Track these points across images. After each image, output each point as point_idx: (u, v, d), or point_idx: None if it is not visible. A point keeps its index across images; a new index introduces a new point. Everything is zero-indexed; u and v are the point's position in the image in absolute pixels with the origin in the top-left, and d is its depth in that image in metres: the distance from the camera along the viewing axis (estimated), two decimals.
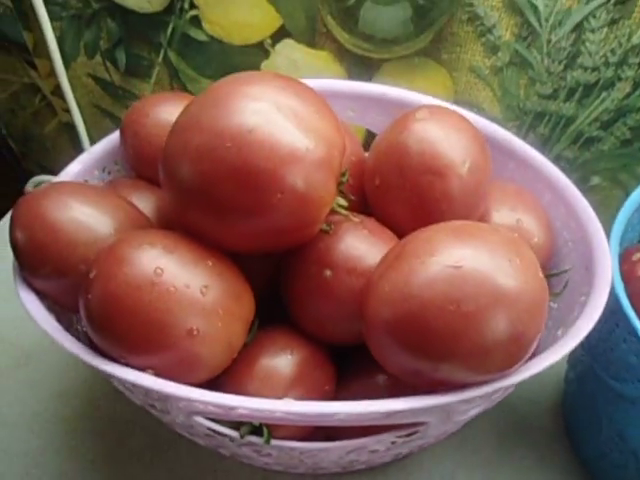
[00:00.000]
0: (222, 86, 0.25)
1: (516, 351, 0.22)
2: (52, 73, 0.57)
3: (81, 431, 0.41)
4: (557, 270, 0.30)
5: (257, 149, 0.23)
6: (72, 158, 0.38)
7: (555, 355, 0.25)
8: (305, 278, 0.29)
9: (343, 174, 0.28)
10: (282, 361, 0.29)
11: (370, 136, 0.47)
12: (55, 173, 0.37)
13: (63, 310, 0.31)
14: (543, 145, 0.48)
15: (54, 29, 0.52)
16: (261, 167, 0.23)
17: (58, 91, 0.58)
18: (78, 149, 0.63)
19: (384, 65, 0.47)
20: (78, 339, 0.27)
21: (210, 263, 0.26)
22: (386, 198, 0.31)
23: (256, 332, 0.29)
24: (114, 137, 0.40)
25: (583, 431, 0.37)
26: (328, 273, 0.28)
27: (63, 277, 0.28)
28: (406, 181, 0.30)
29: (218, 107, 0.24)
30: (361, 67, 0.48)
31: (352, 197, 0.30)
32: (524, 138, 0.40)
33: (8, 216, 0.58)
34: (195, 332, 0.24)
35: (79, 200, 0.29)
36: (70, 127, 0.62)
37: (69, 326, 0.31)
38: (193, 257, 0.25)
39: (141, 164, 0.37)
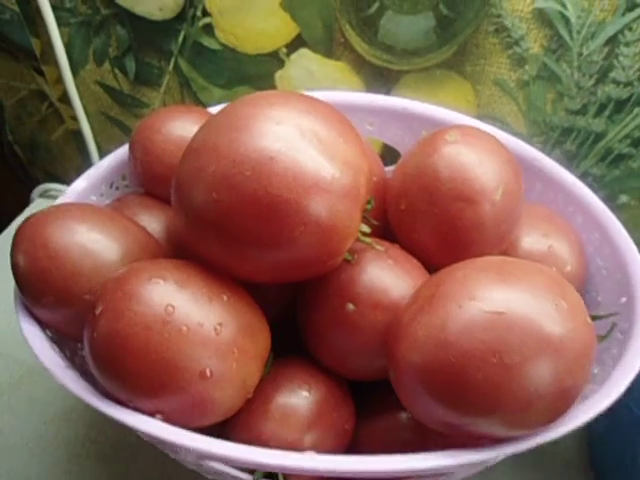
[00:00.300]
0: (241, 107, 0.23)
1: (562, 405, 0.20)
2: (60, 80, 0.55)
3: (85, 456, 0.39)
4: (602, 313, 0.27)
5: (279, 178, 0.21)
6: (79, 166, 0.37)
7: (599, 404, 0.23)
8: (326, 311, 0.27)
9: (368, 201, 0.26)
10: (299, 400, 0.27)
11: (387, 150, 0.45)
12: (62, 181, 0.36)
13: (66, 340, 0.29)
14: (569, 162, 0.46)
15: (62, 35, 0.51)
16: (283, 198, 0.21)
17: (65, 98, 0.56)
18: (85, 157, 0.62)
19: (404, 77, 0.45)
20: (82, 372, 0.25)
21: (225, 297, 0.24)
22: (412, 224, 0.29)
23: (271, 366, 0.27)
24: (122, 152, 0.38)
25: (610, 465, 0.35)
26: (351, 307, 0.26)
27: (67, 307, 0.26)
28: (435, 207, 0.28)
29: (237, 131, 0.22)
30: (380, 79, 0.46)
31: (375, 222, 0.28)
32: (549, 154, 0.38)
33: (14, 224, 0.57)
34: (208, 374, 0.22)
35: (85, 224, 0.27)
36: (77, 135, 0.60)
37: (73, 355, 0.29)
38: (207, 291, 0.23)
39: (151, 182, 0.35)
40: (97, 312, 0.22)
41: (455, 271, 0.22)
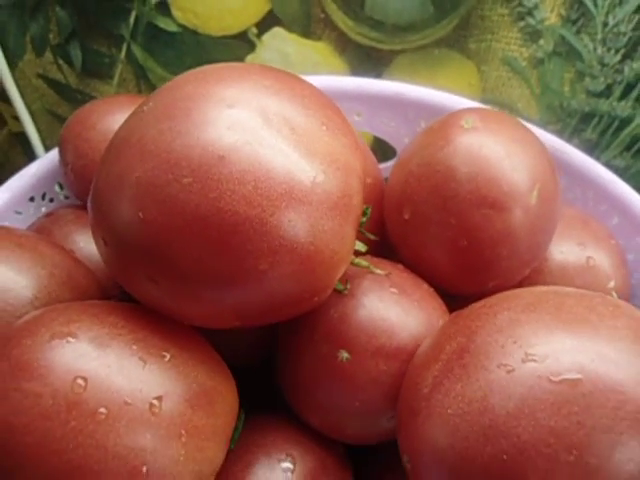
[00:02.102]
0: (179, 86, 0.16)
1: None
2: None
3: None
4: None
5: (234, 187, 0.14)
6: None
7: None
8: (312, 359, 0.20)
9: (364, 212, 0.19)
10: (280, 477, 0.20)
11: (378, 144, 0.39)
12: None
13: None
14: (589, 152, 0.39)
15: None
16: (240, 216, 0.14)
17: (4, 96, 0.49)
18: (34, 161, 0.54)
19: (396, 58, 0.39)
20: None
21: (167, 356, 0.17)
22: (420, 237, 0.22)
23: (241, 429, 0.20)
24: (55, 155, 0.31)
25: None
26: (344, 355, 0.20)
27: None
28: (450, 216, 0.21)
29: (171, 118, 0.15)
30: (367, 61, 0.39)
31: (373, 237, 0.21)
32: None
33: None
34: (143, 472, 0.15)
35: None
36: (23, 137, 0.53)
37: None
38: (140, 349, 0.16)
39: (86, 191, 0.28)
40: None
41: (493, 312, 0.15)
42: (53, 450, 0.14)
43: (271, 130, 0.15)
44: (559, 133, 0.39)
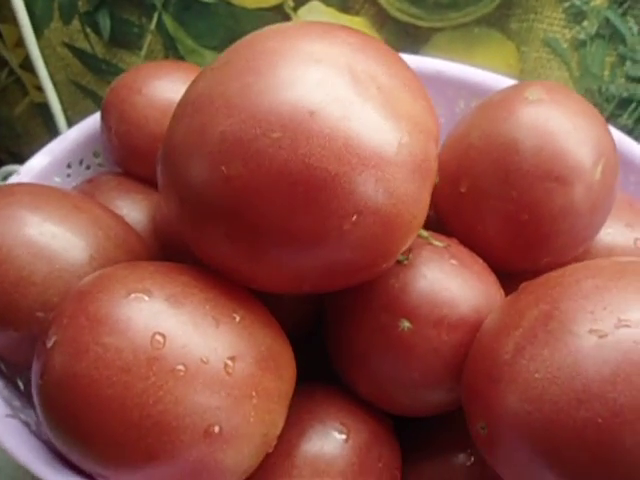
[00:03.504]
0: (261, 39, 0.16)
1: None
2: (20, 43, 0.47)
3: None
4: None
5: (323, 142, 0.14)
6: (45, 145, 0.29)
7: None
8: (370, 329, 0.20)
9: None
10: (335, 447, 0.20)
11: None
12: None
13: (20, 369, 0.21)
14: None
15: None
16: (329, 173, 0.14)
17: (28, 64, 0.48)
18: (54, 134, 0.53)
19: (434, 36, 0.38)
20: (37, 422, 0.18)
21: (237, 318, 0.17)
22: (477, 211, 0.22)
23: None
24: (93, 120, 0.30)
25: None
26: (406, 325, 0.19)
27: (12, 328, 0.19)
28: (512, 189, 0.21)
29: (257, 73, 0.15)
30: (406, 38, 0.38)
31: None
32: None
33: None
34: (216, 431, 0.15)
35: (37, 213, 0.20)
36: (44, 108, 0.52)
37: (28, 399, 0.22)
38: (212, 310, 0.16)
39: (130, 158, 0.28)
40: (49, 344, 0.15)
41: (575, 279, 0.15)
42: (134, 404, 0.14)
43: (359, 88, 0.15)
44: None
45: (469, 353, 0.18)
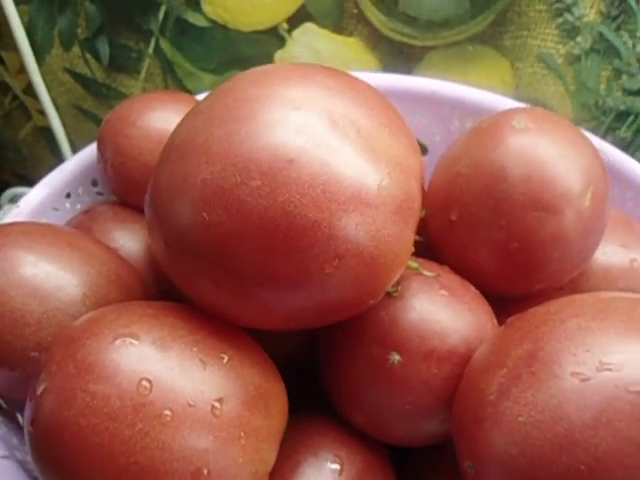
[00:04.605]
0: (242, 86, 0.16)
1: None
2: (23, 69, 0.47)
3: None
4: None
5: (303, 190, 0.14)
6: (53, 166, 0.30)
7: None
8: (362, 363, 0.20)
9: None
10: (329, 477, 0.20)
11: None
12: (34, 183, 0.29)
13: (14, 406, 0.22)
14: (623, 151, 0.39)
15: (21, 15, 0.43)
16: (309, 220, 0.14)
17: (31, 90, 0.49)
18: (58, 156, 0.54)
19: (428, 54, 0.38)
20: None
21: (225, 358, 0.17)
22: (468, 239, 0.22)
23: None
24: (91, 150, 0.31)
25: None
26: (396, 358, 0.19)
27: (8, 368, 0.19)
28: (501, 218, 0.21)
29: (238, 121, 0.15)
30: (399, 57, 0.39)
31: (419, 238, 0.21)
32: None
33: None
34: (205, 473, 0.16)
35: (32, 252, 0.20)
36: (48, 131, 0.53)
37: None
38: (199, 351, 0.16)
39: (126, 189, 0.28)
40: (39, 391, 0.15)
41: (559, 318, 0.15)
42: (121, 451, 0.15)
43: (338, 133, 0.15)
44: (593, 131, 0.39)
45: (458, 388, 0.18)
